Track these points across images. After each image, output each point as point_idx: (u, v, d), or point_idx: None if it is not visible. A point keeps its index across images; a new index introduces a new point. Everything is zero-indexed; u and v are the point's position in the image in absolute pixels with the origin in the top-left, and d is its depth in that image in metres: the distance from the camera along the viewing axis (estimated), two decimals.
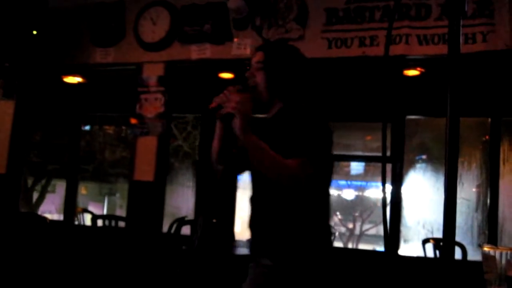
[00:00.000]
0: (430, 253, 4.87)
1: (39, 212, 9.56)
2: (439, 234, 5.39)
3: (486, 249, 1.80)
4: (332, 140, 2.04)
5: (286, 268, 1.95)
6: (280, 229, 2.00)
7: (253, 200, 2.14)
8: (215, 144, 2.18)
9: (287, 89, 2.10)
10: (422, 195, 5.99)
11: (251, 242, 2.13)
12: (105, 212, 11.69)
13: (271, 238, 2.02)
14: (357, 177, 11.43)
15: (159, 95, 5.00)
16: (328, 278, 1.98)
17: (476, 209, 5.47)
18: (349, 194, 11.97)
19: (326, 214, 2.10)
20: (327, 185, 2.10)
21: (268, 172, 1.91)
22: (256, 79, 2.10)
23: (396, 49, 4.36)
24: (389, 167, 5.05)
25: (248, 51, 4.58)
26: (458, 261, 4.35)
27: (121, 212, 10.61)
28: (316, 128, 1.98)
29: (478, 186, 5.57)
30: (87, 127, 8.37)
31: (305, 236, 1.99)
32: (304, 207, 2.00)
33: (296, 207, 1.99)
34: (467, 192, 5.56)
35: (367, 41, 4.52)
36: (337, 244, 8.63)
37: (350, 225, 12.06)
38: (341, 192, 11.95)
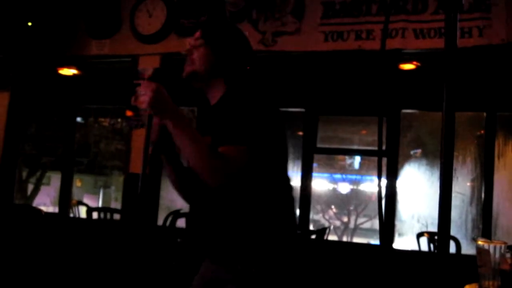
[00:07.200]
0: (424, 246, 4.89)
1: (34, 204, 9.50)
2: (433, 228, 5.41)
3: (480, 243, 1.80)
4: (281, 126, 1.84)
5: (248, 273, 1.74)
6: (230, 231, 1.81)
7: (201, 196, 1.92)
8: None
9: (230, 64, 1.90)
10: (416, 189, 6.00)
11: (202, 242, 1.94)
12: (100, 204, 11.67)
13: (227, 242, 1.82)
14: (352, 171, 11.44)
15: None
16: (297, 274, 1.80)
17: (471, 203, 5.49)
18: (344, 188, 11.99)
19: (284, 208, 1.87)
20: (277, 174, 1.86)
21: (191, 159, 1.70)
22: (196, 58, 1.92)
23: (392, 43, 4.36)
24: (384, 161, 5.05)
25: None
26: (452, 255, 4.37)
27: (116, 204, 10.59)
28: (257, 112, 1.76)
29: (472, 181, 5.58)
30: (82, 119, 8.33)
31: (263, 235, 1.78)
32: (254, 201, 1.79)
33: (244, 203, 1.79)
34: (462, 186, 5.57)
35: (363, 35, 4.52)
36: (332, 237, 8.65)
37: (345, 219, 12.09)
38: (336, 185, 11.97)
